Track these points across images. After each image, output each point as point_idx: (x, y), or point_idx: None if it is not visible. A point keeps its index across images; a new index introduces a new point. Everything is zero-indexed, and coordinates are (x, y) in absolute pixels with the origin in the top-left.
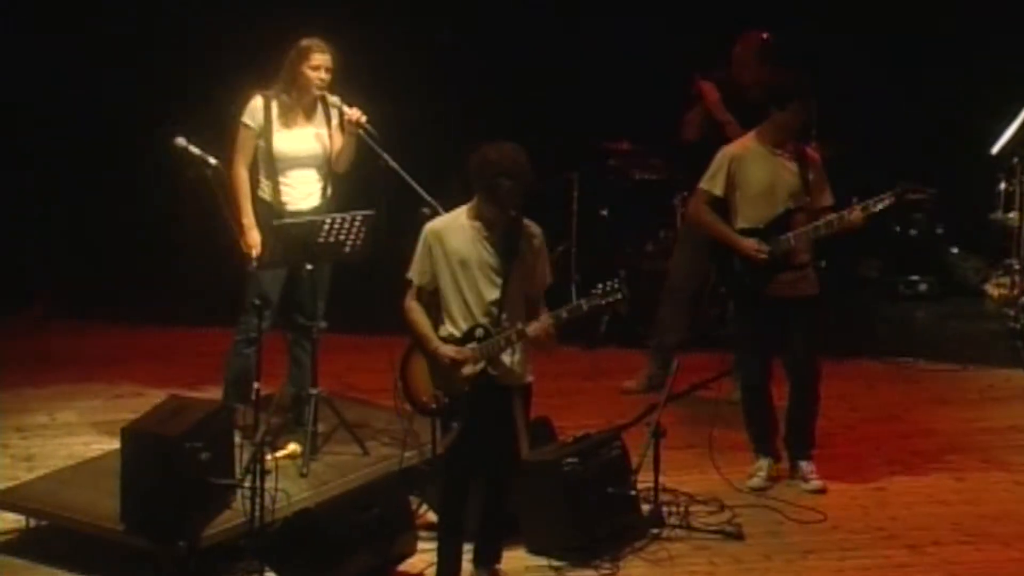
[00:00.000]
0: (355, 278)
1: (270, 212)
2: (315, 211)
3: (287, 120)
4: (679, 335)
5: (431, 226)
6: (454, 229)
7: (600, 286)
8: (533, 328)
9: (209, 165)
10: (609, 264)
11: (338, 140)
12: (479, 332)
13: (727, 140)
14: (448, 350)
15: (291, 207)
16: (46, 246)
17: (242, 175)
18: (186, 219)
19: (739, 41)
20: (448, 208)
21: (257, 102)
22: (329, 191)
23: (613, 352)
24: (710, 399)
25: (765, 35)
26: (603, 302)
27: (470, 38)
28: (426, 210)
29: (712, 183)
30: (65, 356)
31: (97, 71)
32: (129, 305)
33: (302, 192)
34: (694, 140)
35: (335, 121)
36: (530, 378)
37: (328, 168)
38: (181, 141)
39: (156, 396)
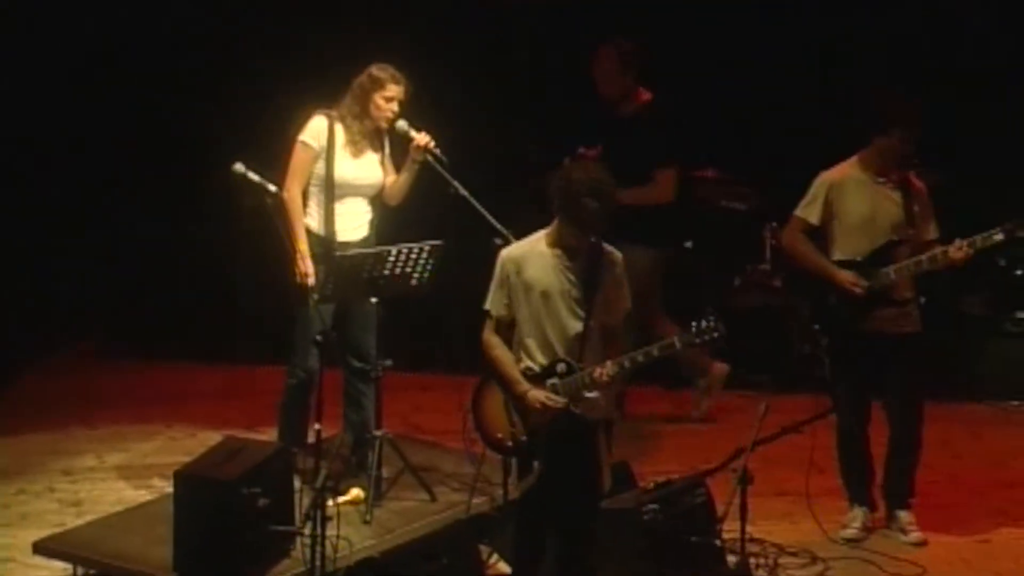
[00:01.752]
0: (421, 313)
1: (317, 242)
2: (363, 242)
3: (354, 147)
4: None
5: (508, 253)
6: (533, 256)
7: (695, 324)
8: (611, 367)
9: (269, 193)
10: (694, 299)
11: (391, 171)
12: (561, 367)
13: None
14: (539, 396)
15: (341, 237)
16: (98, 280)
17: (297, 198)
18: (244, 250)
19: (596, 57)
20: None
21: (320, 123)
22: (375, 222)
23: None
24: (803, 443)
25: (622, 43)
26: (698, 341)
27: (546, 58)
28: (498, 240)
29: (808, 210)
30: (116, 395)
31: (156, 100)
32: (183, 342)
33: (353, 222)
34: None
35: (387, 152)
36: (612, 413)
37: (378, 199)
38: (240, 168)
39: (211, 437)
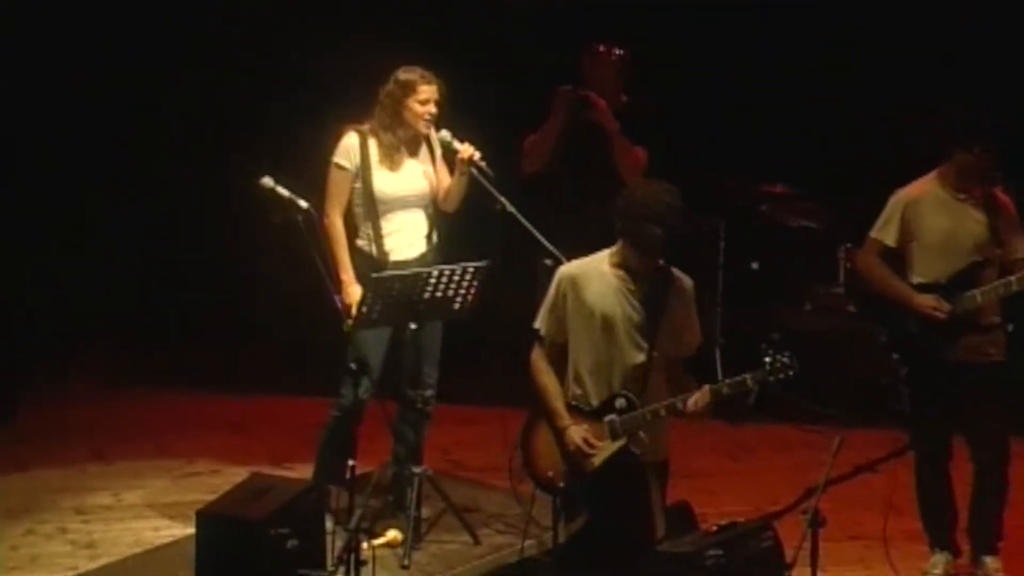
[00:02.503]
0: (463, 339)
1: (371, 264)
2: (421, 260)
3: (390, 159)
4: None
5: (566, 271)
6: (593, 277)
7: (769, 359)
8: (693, 402)
9: (299, 209)
10: (760, 326)
11: (445, 176)
12: (620, 403)
13: (596, 164)
14: (576, 437)
15: (395, 256)
16: (111, 300)
17: (337, 223)
18: (272, 271)
19: (593, 58)
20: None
21: (351, 140)
22: (435, 237)
23: (762, 428)
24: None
25: (622, 51)
26: (772, 378)
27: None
28: (548, 261)
29: (884, 231)
30: (131, 426)
31: (171, 105)
32: (205, 369)
33: (407, 239)
34: (536, 172)
35: (439, 153)
36: (667, 454)
37: (434, 209)
38: (268, 181)
39: (236, 474)
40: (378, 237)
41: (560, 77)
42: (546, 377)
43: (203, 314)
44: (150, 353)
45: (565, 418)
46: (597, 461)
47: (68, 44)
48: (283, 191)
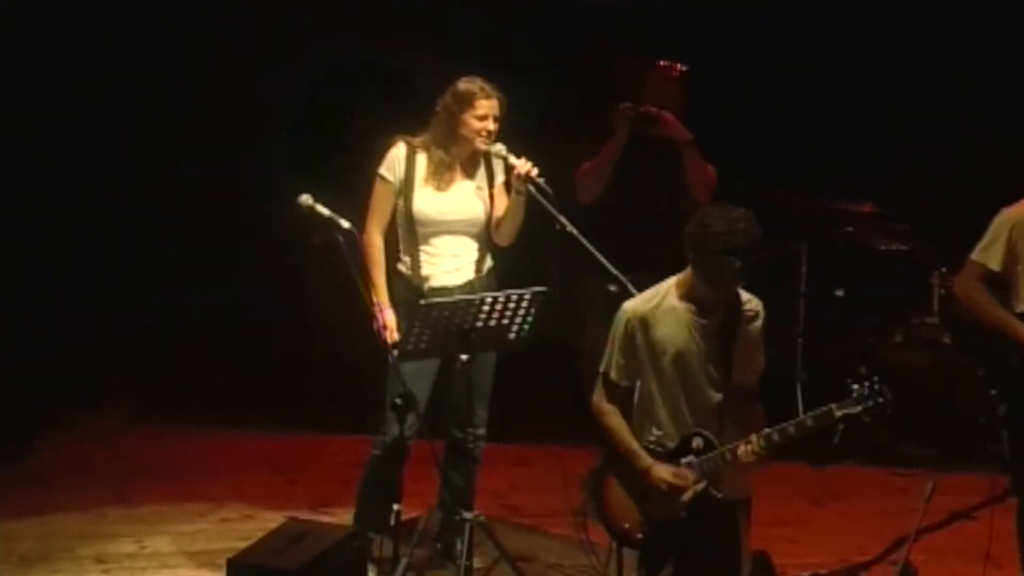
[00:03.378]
0: (518, 373)
1: (408, 289)
2: (466, 288)
3: (439, 178)
4: None
5: (632, 308)
6: (663, 313)
7: (856, 388)
8: (744, 452)
9: (341, 229)
10: (845, 358)
11: (502, 203)
12: (698, 442)
13: (662, 182)
14: (664, 473)
15: (434, 283)
16: (135, 328)
17: (375, 240)
18: (311, 297)
19: (654, 73)
20: (642, 286)
21: (399, 150)
22: (487, 265)
23: (848, 470)
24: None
25: (684, 67)
26: (860, 409)
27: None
28: (613, 287)
29: (987, 254)
30: (156, 467)
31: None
32: (236, 405)
33: (450, 264)
34: (594, 200)
35: (500, 179)
36: (750, 491)
37: (488, 237)
38: (307, 199)
39: (270, 520)
40: (415, 260)
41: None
42: (615, 419)
43: (235, 344)
44: (177, 387)
45: (645, 457)
46: (686, 498)
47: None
48: (323, 210)
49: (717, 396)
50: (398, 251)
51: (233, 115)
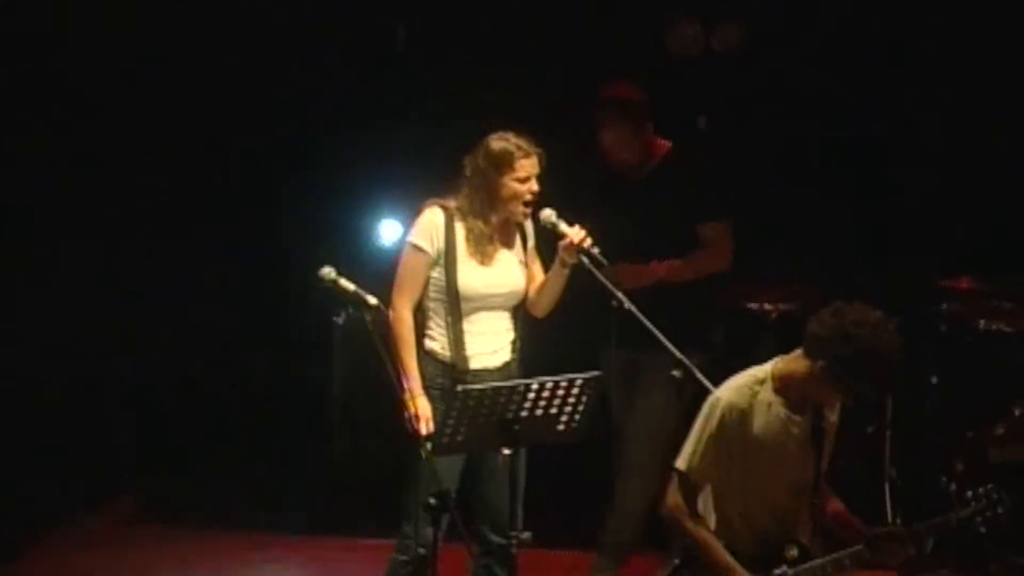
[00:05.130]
0: (569, 468)
1: (444, 371)
2: (504, 370)
3: (481, 248)
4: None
5: (730, 400)
6: (759, 408)
7: (972, 493)
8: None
9: (367, 306)
10: (940, 454)
11: (537, 271)
12: (792, 552)
13: None
14: None
15: (475, 364)
16: (139, 416)
17: (405, 318)
18: (333, 382)
19: (600, 123)
20: (709, 367)
21: (435, 217)
22: (519, 343)
23: None
24: None
25: (628, 97)
26: (978, 518)
27: (738, 125)
28: (676, 372)
29: None
30: (162, 573)
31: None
32: (248, 503)
33: (491, 343)
34: None
35: (531, 243)
36: None
37: (521, 310)
38: (329, 272)
39: None
40: (458, 339)
41: None
42: (702, 528)
43: (244, 434)
44: (182, 483)
45: (739, 569)
46: None
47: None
48: (347, 284)
49: (805, 496)
50: (425, 329)
51: None
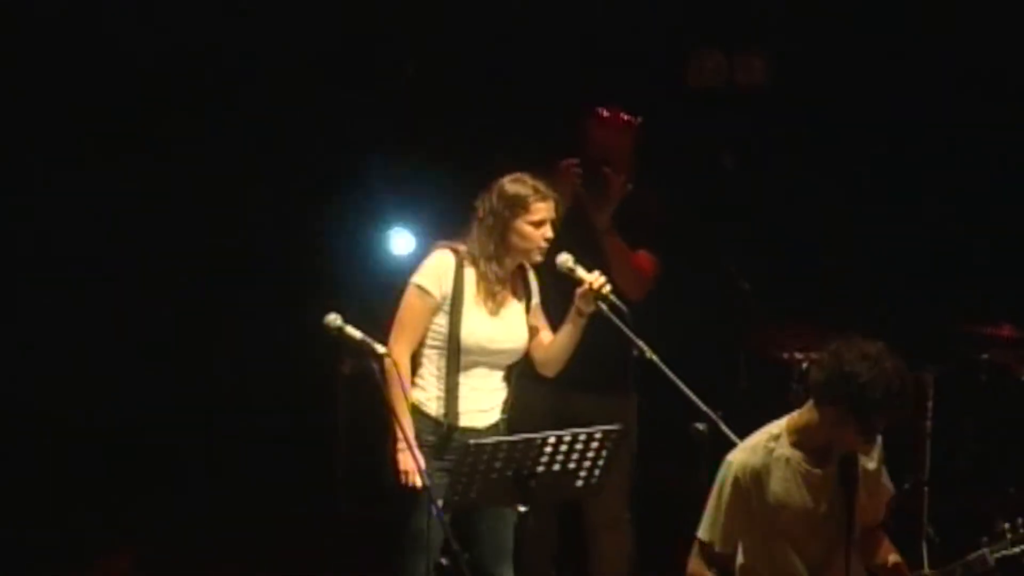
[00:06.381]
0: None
1: (430, 426)
2: (491, 432)
3: (493, 298)
4: None
5: (744, 463)
6: (775, 466)
7: (1008, 525)
8: None
9: (376, 355)
10: (981, 511)
11: (537, 326)
12: None
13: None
14: None
15: (464, 422)
16: (136, 467)
17: (403, 362)
18: (341, 434)
19: (601, 121)
20: (735, 423)
21: (445, 260)
22: (510, 403)
23: None
24: None
25: (635, 118)
26: (1018, 550)
27: (761, 165)
28: (699, 426)
29: None
30: None
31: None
32: (258, 554)
33: (484, 401)
34: None
35: (536, 298)
36: None
37: (516, 369)
38: (335, 320)
39: None
40: (451, 393)
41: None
42: None
43: (252, 485)
44: (177, 537)
45: None
46: None
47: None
48: (354, 332)
49: (837, 557)
50: (414, 378)
51: None
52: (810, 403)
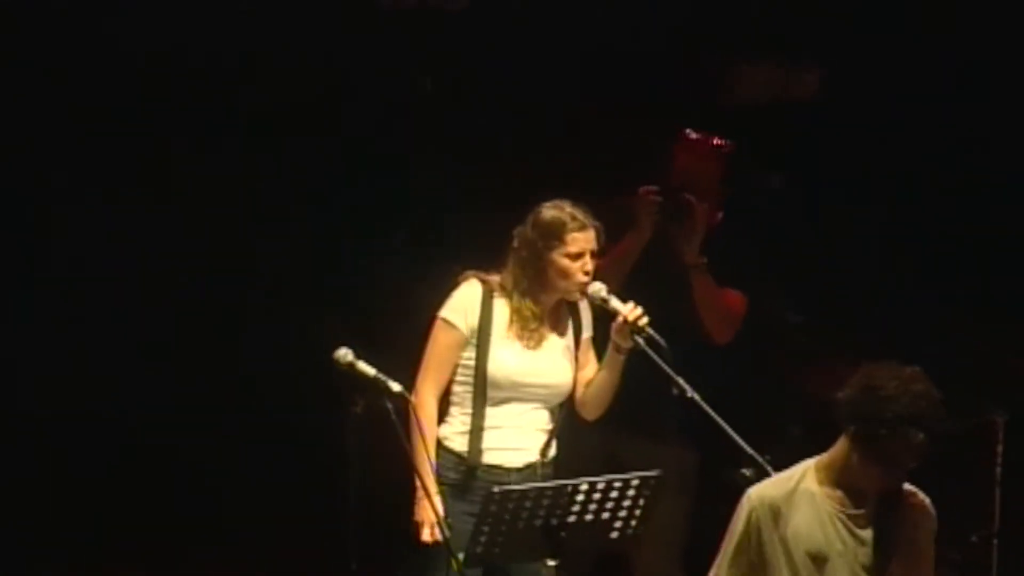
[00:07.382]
0: None
1: (456, 465)
2: (526, 473)
3: (527, 332)
4: None
5: (760, 494)
6: (799, 501)
7: None
8: None
9: (390, 393)
10: None
11: (586, 364)
12: None
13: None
14: None
15: (489, 459)
16: (139, 509)
17: (429, 404)
18: (352, 482)
19: (689, 146)
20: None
21: (472, 291)
22: (552, 452)
23: None
24: None
25: (727, 143)
26: None
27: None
28: (747, 471)
29: None
30: None
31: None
32: (253, 556)
33: (514, 440)
34: None
35: (587, 334)
36: None
37: (564, 410)
38: (346, 354)
39: None
40: (476, 429)
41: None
42: None
43: (252, 484)
44: (185, 530)
45: None
46: None
47: None
48: (367, 368)
49: None
50: (445, 415)
51: None
52: (841, 439)
